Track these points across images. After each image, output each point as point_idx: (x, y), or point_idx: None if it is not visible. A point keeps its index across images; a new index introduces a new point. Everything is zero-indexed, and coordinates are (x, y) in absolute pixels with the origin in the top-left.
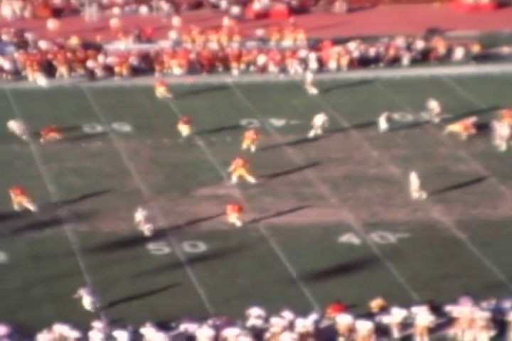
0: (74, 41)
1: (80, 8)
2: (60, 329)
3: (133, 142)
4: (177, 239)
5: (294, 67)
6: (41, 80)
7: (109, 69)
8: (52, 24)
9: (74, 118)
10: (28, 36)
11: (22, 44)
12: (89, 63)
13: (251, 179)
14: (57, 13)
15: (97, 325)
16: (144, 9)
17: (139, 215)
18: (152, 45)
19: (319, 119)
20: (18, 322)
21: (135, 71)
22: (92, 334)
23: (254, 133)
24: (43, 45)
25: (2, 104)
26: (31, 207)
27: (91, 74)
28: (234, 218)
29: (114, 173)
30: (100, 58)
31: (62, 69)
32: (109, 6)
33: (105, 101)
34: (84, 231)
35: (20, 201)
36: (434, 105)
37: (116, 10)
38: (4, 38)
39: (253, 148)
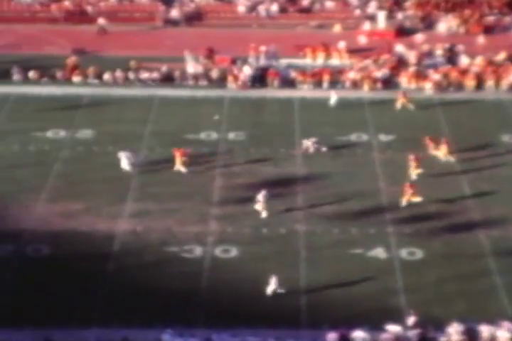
0: (501, 56)
1: None
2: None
3: None
4: None
5: None
6: (333, 98)
7: None
8: (481, 39)
9: (494, 129)
10: (458, 50)
11: (452, 59)
12: None
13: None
14: (488, 29)
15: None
16: None
17: (261, 197)
18: None
19: None
20: (431, 315)
21: None
22: (499, 333)
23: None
24: (464, 60)
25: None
26: (183, 169)
27: None
28: (406, 199)
29: None
30: None
31: (489, 83)
32: None
33: None
34: (495, 235)
35: (181, 162)
36: None
37: None
38: (438, 52)
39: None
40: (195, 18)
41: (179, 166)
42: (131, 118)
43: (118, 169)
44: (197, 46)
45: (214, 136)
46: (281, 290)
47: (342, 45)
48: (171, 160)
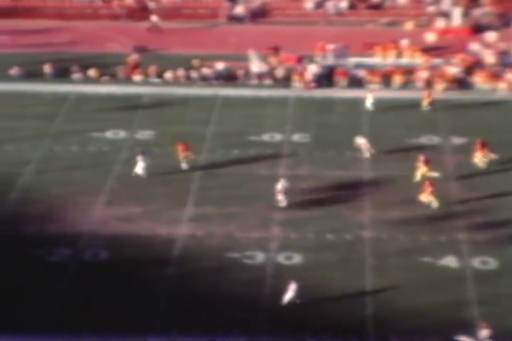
0: None
1: None
2: None
3: None
4: None
5: None
6: (369, 100)
7: None
8: None
9: None
10: None
11: None
12: None
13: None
14: None
15: None
16: None
17: (280, 186)
18: None
19: None
20: (505, 328)
21: None
22: None
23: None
24: None
25: None
26: (184, 165)
27: None
28: (425, 198)
29: None
30: None
31: None
32: None
33: None
34: None
35: (185, 156)
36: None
37: None
38: None
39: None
40: (260, 14)
41: (181, 161)
42: (192, 119)
43: (178, 171)
44: (262, 44)
45: (278, 137)
46: (298, 301)
47: (405, 43)
48: (232, 162)
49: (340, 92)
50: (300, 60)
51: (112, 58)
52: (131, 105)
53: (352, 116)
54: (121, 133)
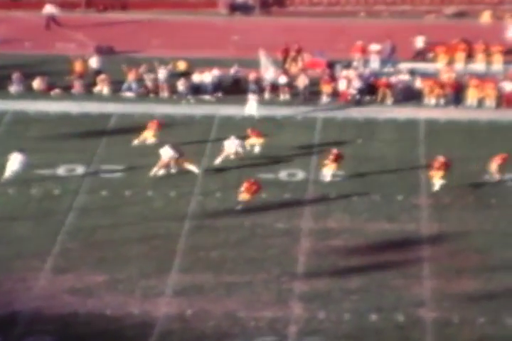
0: None
1: None
2: None
3: None
4: None
5: None
6: (251, 106)
7: None
8: None
9: None
10: None
11: None
12: None
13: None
14: None
15: None
16: None
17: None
18: None
19: None
20: None
21: None
22: None
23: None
24: None
25: None
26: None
27: None
28: (243, 197)
29: None
30: None
31: None
32: None
33: None
34: None
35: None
36: None
37: None
38: None
39: None
40: (274, 2)
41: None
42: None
43: (160, 224)
44: (277, 44)
45: (300, 175)
46: None
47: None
48: (236, 211)
49: (388, 111)
50: (331, 65)
51: (65, 63)
52: (93, 129)
53: (404, 144)
54: (79, 170)
